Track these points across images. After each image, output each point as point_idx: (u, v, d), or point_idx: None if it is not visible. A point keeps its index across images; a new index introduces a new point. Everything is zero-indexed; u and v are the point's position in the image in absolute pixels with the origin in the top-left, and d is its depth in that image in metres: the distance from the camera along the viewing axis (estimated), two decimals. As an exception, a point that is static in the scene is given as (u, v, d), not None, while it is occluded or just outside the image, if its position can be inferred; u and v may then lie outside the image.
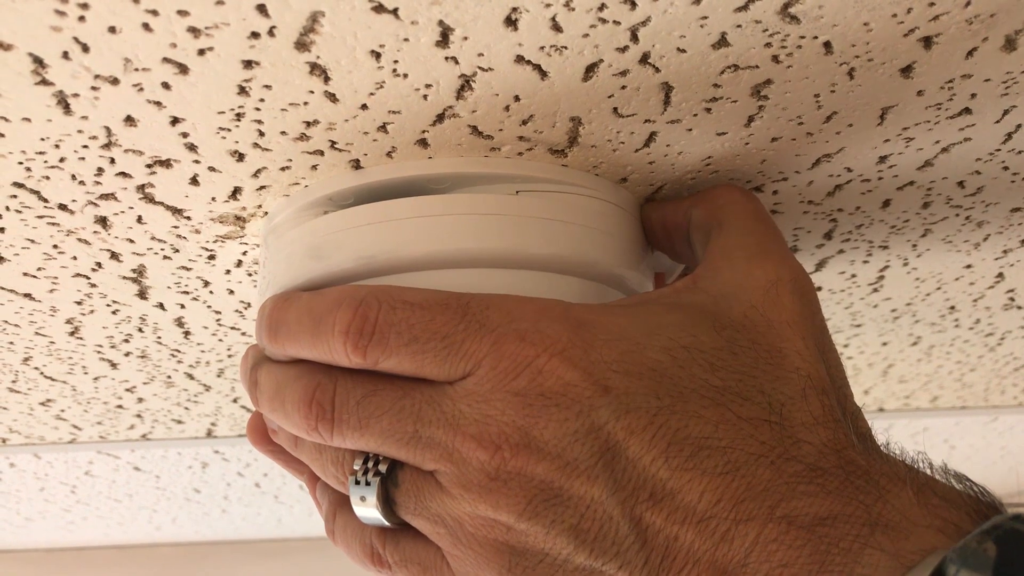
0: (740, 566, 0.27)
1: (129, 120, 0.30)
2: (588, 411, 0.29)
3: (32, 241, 0.38)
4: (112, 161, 0.33)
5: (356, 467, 0.32)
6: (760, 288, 0.32)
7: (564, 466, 0.28)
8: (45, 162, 0.32)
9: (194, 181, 0.34)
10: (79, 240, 0.38)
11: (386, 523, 0.32)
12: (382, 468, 0.31)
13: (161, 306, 0.45)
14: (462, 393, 0.30)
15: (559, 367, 0.29)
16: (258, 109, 0.30)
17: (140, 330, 0.47)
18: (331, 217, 0.34)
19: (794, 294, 0.32)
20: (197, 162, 0.33)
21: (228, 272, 0.42)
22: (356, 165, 0.34)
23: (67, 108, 0.30)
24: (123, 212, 0.36)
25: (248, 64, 0.28)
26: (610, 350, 0.29)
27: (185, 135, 0.31)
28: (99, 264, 0.40)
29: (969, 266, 0.48)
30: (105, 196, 0.35)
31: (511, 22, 0.28)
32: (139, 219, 0.37)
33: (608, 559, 0.28)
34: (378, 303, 0.30)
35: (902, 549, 0.25)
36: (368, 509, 0.32)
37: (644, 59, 0.30)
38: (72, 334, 0.47)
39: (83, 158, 0.32)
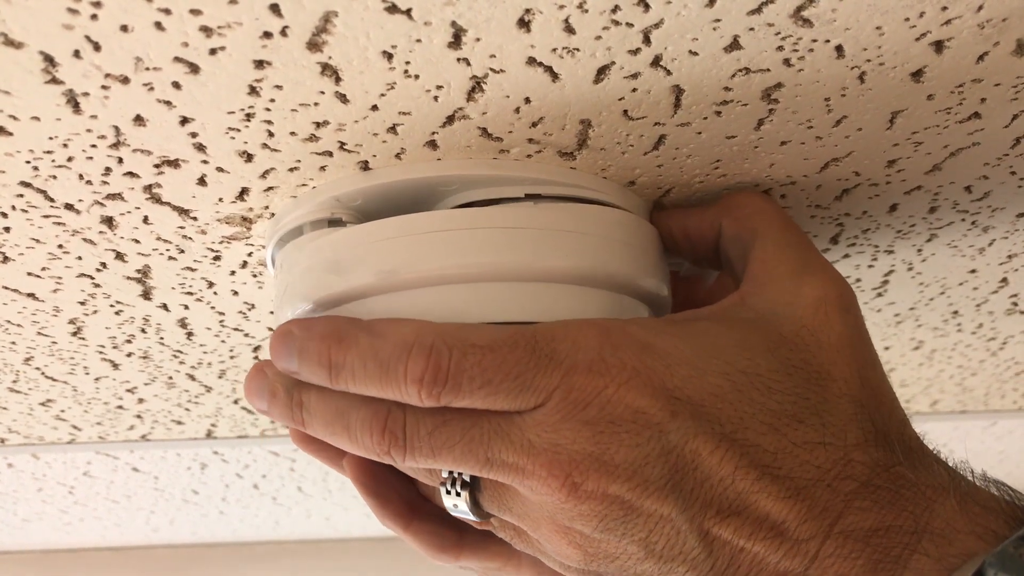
0: None
1: (138, 119, 0.30)
2: (659, 435, 0.30)
3: (37, 241, 0.37)
4: (120, 161, 0.32)
5: (444, 475, 0.34)
6: (809, 307, 0.33)
7: (636, 487, 0.30)
8: (53, 161, 0.32)
9: (202, 181, 0.34)
10: (84, 240, 0.38)
11: (478, 520, 0.34)
12: (466, 478, 0.33)
13: (165, 307, 0.45)
14: (531, 423, 0.31)
15: (627, 395, 0.30)
16: (268, 109, 0.30)
17: (143, 331, 0.47)
18: (350, 230, 0.34)
19: (841, 311, 0.33)
20: (205, 162, 0.33)
21: (233, 273, 0.42)
22: (364, 166, 0.34)
23: (76, 107, 0.29)
24: (129, 212, 0.36)
25: (259, 64, 0.28)
26: (672, 376, 0.31)
27: (194, 135, 0.31)
28: (104, 264, 0.40)
29: (973, 271, 0.49)
30: (112, 196, 0.35)
31: (524, 24, 0.28)
32: (145, 219, 0.36)
33: (676, 564, 0.31)
34: (448, 350, 0.31)
35: (946, 554, 0.28)
36: (460, 512, 0.34)
37: (656, 62, 0.30)
38: (75, 334, 0.47)
39: (91, 157, 0.32)
